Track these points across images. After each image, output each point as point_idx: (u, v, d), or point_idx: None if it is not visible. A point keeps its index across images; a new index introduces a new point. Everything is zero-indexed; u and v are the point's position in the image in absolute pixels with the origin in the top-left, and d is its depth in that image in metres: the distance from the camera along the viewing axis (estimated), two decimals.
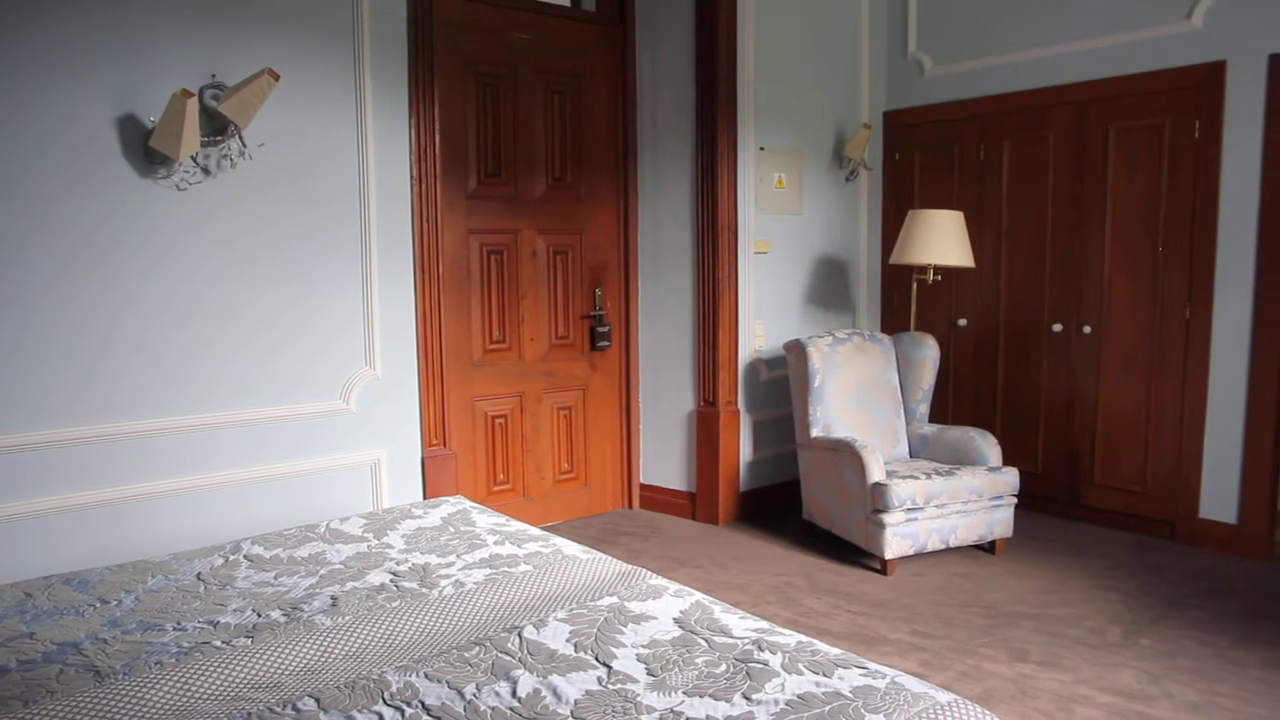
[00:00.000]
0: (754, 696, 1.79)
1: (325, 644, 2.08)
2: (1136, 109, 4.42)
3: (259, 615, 2.28)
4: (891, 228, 5.28)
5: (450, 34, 4.12)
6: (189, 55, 3.17)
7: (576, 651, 2.02)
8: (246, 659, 1.98)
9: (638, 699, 1.80)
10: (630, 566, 2.59)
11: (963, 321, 5.15)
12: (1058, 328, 4.75)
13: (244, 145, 3.25)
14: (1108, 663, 3.10)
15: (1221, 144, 4.14)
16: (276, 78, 3.05)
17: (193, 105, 2.89)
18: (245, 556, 2.73)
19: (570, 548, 2.78)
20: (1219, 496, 4.24)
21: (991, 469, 4.13)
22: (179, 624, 2.22)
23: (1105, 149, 4.54)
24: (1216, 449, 4.23)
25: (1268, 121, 4.01)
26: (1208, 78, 4.16)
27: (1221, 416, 4.21)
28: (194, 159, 3.19)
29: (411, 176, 3.82)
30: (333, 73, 3.55)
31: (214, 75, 3.21)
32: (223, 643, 2.10)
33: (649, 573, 2.53)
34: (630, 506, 5.07)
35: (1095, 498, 4.67)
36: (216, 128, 3.20)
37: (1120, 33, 4.43)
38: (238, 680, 1.91)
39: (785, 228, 4.97)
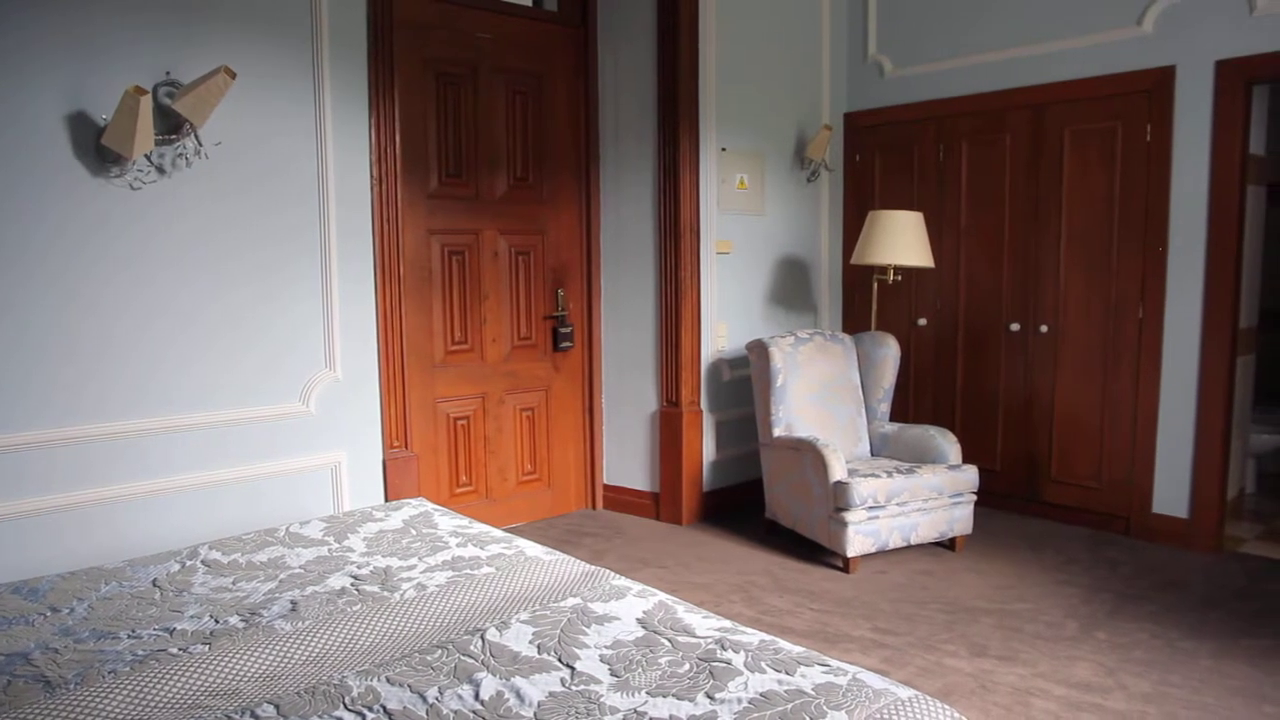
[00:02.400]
0: (717, 695, 1.80)
1: (285, 649, 2.05)
2: (1090, 112, 4.50)
3: (216, 621, 2.25)
4: (852, 228, 5.32)
5: (410, 33, 4.09)
6: (142, 52, 3.11)
7: (539, 653, 2.01)
8: (203, 666, 1.95)
9: (601, 700, 1.80)
10: (593, 567, 2.59)
11: (923, 321, 5.21)
12: (1015, 327, 4.83)
13: (200, 144, 3.20)
14: (1064, 656, 3.16)
15: (1172, 147, 4.24)
16: (233, 76, 3.01)
17: (146, 103, 2.84)
18: (202, 562, 2.69)
19: (533, 549, 2.77)
20: (1171, 492, 4.33)
21: (951, 467, 4.19)
22: (133, 632, 2.18)
23: (1061, 151, 4.62)
24: (1169, 446, 4.33)
25: (1215, 126, 4.11)
26: (1158, 82, 4.25)
27: (1173, 414, 4.30)
28: (148, 158, 3.13)
29: (372, 176, 3.78)
30: (291, 71, 3.50)
31: (168, 73, 3.15)
32: (179, 650, 2.06)
33: (612, 573, 2.53)
34: (594, 507, 5.06)
35: (1052, 494, 4.75)
36: (171, 126, 3.14)
37: (1074, 37, 4.51)
38: (194, 688, 1.88)
39: (747, 228, 5.00)
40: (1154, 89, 4.27)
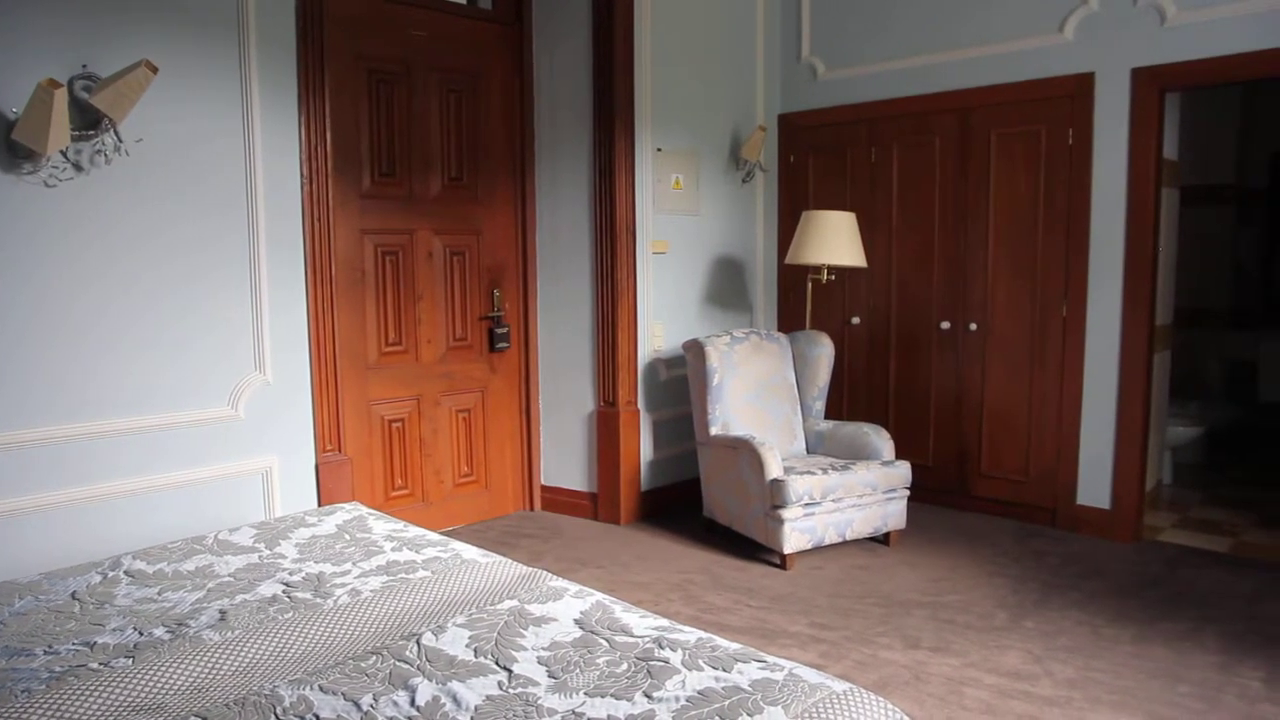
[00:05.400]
0: (655, 694, 1.80)
1: (213, 660, 2.00)
2: (1015, 116, 4.62)
3: (140, 633, 2.18)
4: (787, 228, 5.38)
5: (341, 29, 4.01)
6: (55, 43, 2.99)
7: (476, 657, 1.99)
8: (127, 680, 1.89)
9: (539, 702, 1.79)
10: (530, 569, 2.58)
11: (856, 320, 5.30)
12: (946, 325, 4.93)
13: (120, 141, 3.10)
14: (995, 645, 3.24)
15: (1092, 151, 4.37)
16: (155, 70, 2.92)
17: (61, 96, 2.74)
18: (126, 572, 2.60)
19: (470, 552, 2.74)
20: (1094, 484, 4.47)
21: (885, 463, 4.26)
22: (50, 647, 2.10)
23: (988, 153, 4.73)
24: (1091, 439, 4.47)
25: (1132, 131, 4.25)
26: (1079, 88, 4.39)
27: (1095, 409, 4.44)
28: (64, 154, 3.01)
29: (302, 175, 3.70)
30: (217, 64, 3.41)
31: (85, 66, 3.04)
32: (100, 664, 1.99)
33: (549, 574, 2.52)
34: (532, 509, 5.04)
35: (983, 488, 4.87)
36: (89, 121, 3.03)
37: (999, 43, 4.63)
38: (117, 703, 1.81)
39: (683, 228, 5.02)
40: (1075, 94, 4.40)
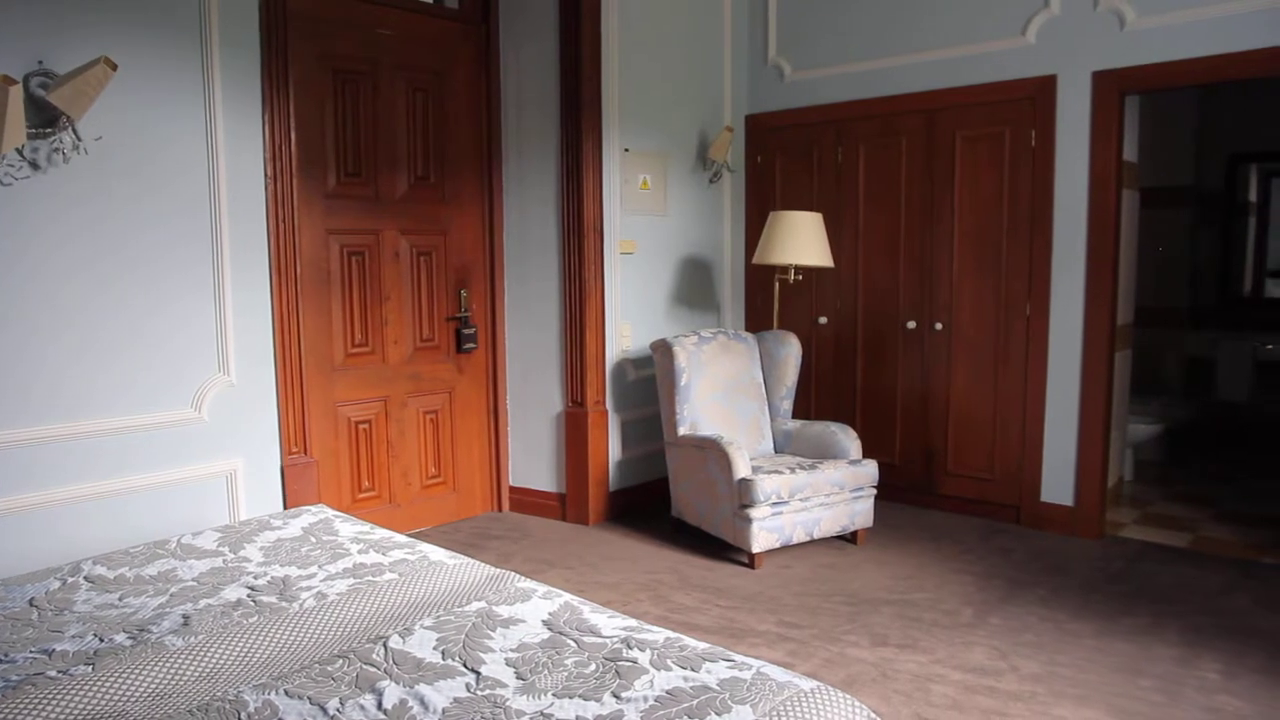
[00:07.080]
0: (623, 694, 1.80)
1: (176, 666, 1.97)
2: (979, 117, 4.67)
3: (101, 640, 2.14)
4: (754, 228, 5.40)
5: (305, 27, 3.97)
6: (11, 39, 2.93)
7: (444, 659, 1.98)
8: (86, 688, 1.85)
9: (507, 704, 1.78)
10: (498, 570, 2.57)
11: (823, 320, 5.33)
12: (912, 325, 4.98)
13: (78, 138, 3.04)
14: (960, 642, 3.27)
15: (1054, 152, 4.43)
16: (114, 67, 2.87)
17: (16, 93, 2.69)
18: (86, 578, 2.56)
19: (437, 554, 2.73)
20: (1058, 481, 4.54)
21: (852, 462, 4.29)
22: (6, 655, 2.05)
23: (953, 155, 4.78)
24: (1055, 437, 4.53)
25: (1093, 133, 4.32)
26: (1041, 90, 4.45)
27: (1059, 407, 4.51)
28: (19, 152, 2.95)
29: (266, 175, 3.66)
30: (178, 61, 3.36)
31: (41, 62, 2.99)
32: (59, 672, 1.95)
33: (517, 576, 2.51)
34: (500, 510, 5.02)
35: (949, 486, 4.92)
36: (46, 119, 2.98)
37: (963, 45, 4.68)
38: (76, 712, 1.78)
39: (650, 228, 5.03)
40: (1037, 96, 4.46)
